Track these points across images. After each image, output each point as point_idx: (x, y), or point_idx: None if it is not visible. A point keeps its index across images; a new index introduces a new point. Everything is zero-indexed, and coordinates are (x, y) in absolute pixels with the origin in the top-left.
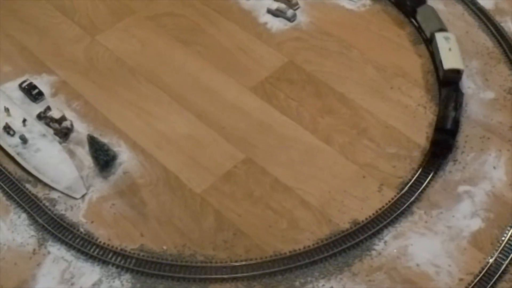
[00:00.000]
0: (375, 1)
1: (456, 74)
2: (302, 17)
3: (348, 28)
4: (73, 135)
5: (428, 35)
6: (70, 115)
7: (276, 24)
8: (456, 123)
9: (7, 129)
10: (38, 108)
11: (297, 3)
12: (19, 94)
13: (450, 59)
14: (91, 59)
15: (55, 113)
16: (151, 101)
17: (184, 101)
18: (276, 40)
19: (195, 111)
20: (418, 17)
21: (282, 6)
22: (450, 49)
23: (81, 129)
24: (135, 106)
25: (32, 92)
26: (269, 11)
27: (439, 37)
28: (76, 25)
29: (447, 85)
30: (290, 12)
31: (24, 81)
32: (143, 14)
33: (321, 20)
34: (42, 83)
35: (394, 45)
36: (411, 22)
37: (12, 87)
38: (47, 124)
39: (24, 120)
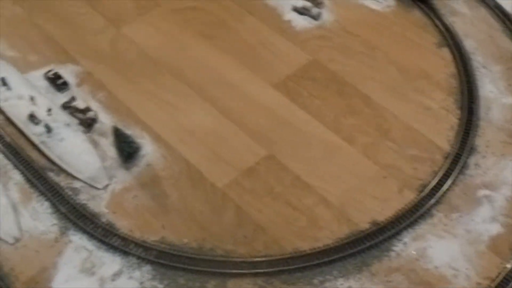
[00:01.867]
0: (399, 2)
1: None
2: (327, 16)
3: (372, 28)
4: (97, 126)
5: None
6: (94, 105)
7: (300, 22)
8: None
9: (32, 117)
10: (62, 97)
11: (322, 2)
12: (44, 83)
13: None
14: (116, 50)
15: (80, 104)
16: (175, 94)
17: (207, 96)
18: (300, 38)
19: (218, 106)
20: None
21: (308, 4)
22: None
23: (105, 119)
24: (159, 98)
25: (57, 82)
26: (294, 8)
27: None
28: (101, 16)
29: None
30: (315, 10)
31: (49, 71)
32: (168, 7)
33: (346, 19)
34: (67, 73)
35: (417, 47)
36: (436, 24)
37: (37, 76)
38: (72, 114)
39: (49, 110)
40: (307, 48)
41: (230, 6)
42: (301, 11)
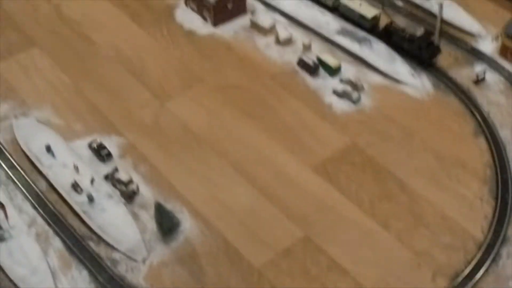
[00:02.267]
0: (437, 89)
1: None
2: (366, 101)
3: (410, 114)
4: (138, 198)
5: None
6: (136, 178)
7: (340, 105)
8: None
9: (75, 186)
10: (105, 168)
11: (362, 86)
12: (88, 152)
13: None
14: (159, 124)
15: (122, 175)
16: (216, 171)
17: (247, 174)
18: (340, 121)
19: (257, 185)
20: None
21: (348, 88)
22: None
23: (146, 192)
24: (200, 174)
25: (101, 153)
26: (335, 92)
27: None
28: (147, 89)
29: None
30: (355, 95)
31: (94, 141)
32: (212, 84)
33: (384, 104)
34: (111, 144)
35: (454, 135)
36: (473, 113)
37: (82, 145)
38: (114, 185)
39: (92, 180)
40: (346, 132)
41: (273, 87)
42: (341, 95)
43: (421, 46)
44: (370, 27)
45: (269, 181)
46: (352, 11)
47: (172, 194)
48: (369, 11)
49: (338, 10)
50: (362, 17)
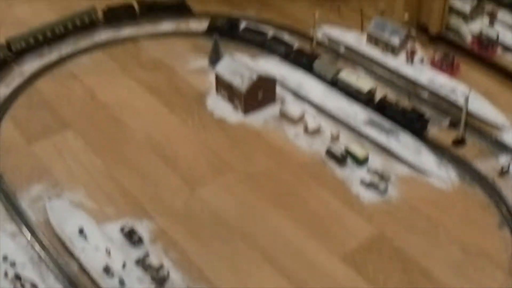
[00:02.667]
0: (463, 181)
1: None
2: (393, 192)
3: (436, 205)
4: (168, 283)
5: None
6: (166, 263)
7: (368, 195)
8: None
9: (107, 270)
10: (136, 252)
11: (389, 177)
12: (119, 236)
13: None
14: (190, 210)
15: (153, 261)
16: (245, 258)
17: (277, 264)
18: (367, 212)
19: (286, 273)
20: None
21: (375, 179)
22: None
23: (177, 278)
24: (230, 262)
25: (132, 237)
26: (362, 182)
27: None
28: (177, 176)
29: None
30: (382, 186)
31: (125, 225)
32: (241, 172)
33: (411, 196)
34: (142, 228)
35: (479, 227)
36: (497, 205)
37: (114, 229)
38: (145, 270)
39: (124, 264)
40: (373, 222)
41: (301, 175)
42: (368, 185)
43: (413, 119)
44: (366, 100)
45: (297, 270)
46: (349, 85)
47: (203, 281)
48: (365, 85)
49: (337, 84)
50: (358, 90)
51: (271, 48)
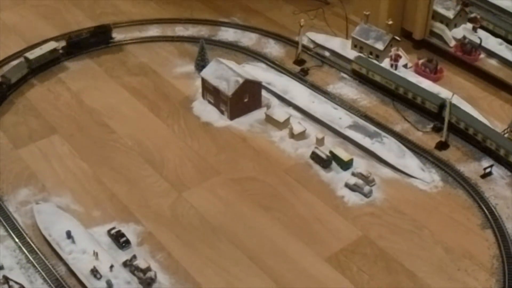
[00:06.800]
0: (446, 183)
1: None
2: (377, 194)
3: (420, 208)
4: (155, 285)
5: None
6: (153, 265)
7: (352, 198)
8: None
9: (94, 272)
10: (123, 255)
11: (373, 180)
12: (106, 239)
13: None
14: (177, 214)
15: (141, 263)
16: (231, 261)
17: (262, 265)
18: (351, 214)
19: (273, 276)
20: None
21: (360, 182)
22: None
23: (164, 280)
24: (216, 264)
25: (119, 240)
26: (347, 185)
27: None
28: (164, 180)
29: None
30: (366, 188)
31: (112, 228)
32: (228, 175)
33: (395, 198)
34: (129, 231)
35: (463, 228)
36: (480, 207)
37: (100, 232)
38: (132, 272)
39: (112, 266)
40: (358, 224)
41: (287, 180)
42: (353, 188)
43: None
44: None
45: (283, 272)
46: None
47: (189, 283)
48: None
49: None
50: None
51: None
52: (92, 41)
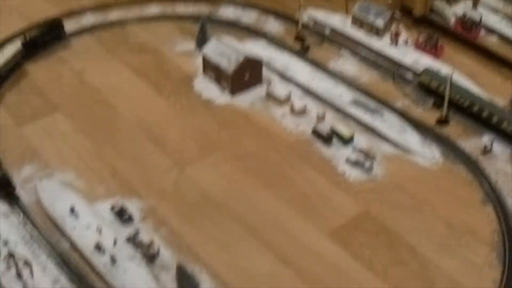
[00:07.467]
0: (447, 159)
1: None
2: (378, 170)
3: (421, 183)
4: (159, 260)
5: None
6: (157, 240)
7: (353, 174)
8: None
9: (98, 247)
10: (127, 230)
11: (374, 156)
12: (110, 215)
13: None
14: (179, 190)
15: (144, 238)
16: (233, 236)
17: (265, 240)
18: (353, 190)
19: (274, 250)
20: None
21: (361, 157)
22: None
23: (167, 255)
24: (219, 239)
25: (123, 216)
26: (348, 161)
27: None
28: (166, 156)
29: None
30: (367, 164)
31: (116, 204)
32: (229, 152)
33: (396, 174)
34: (132, 207)
35: (464, 203)
36: (481, 182)
37: (104, 208)
38: (135, 247)
39: (115, 241)
40: (359, 199)
41: (288, 156)
42: (354, 163)
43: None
44: None
45: (285, 247)
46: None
47: (192, 257)
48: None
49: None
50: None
51: None
52: (46, 39)
